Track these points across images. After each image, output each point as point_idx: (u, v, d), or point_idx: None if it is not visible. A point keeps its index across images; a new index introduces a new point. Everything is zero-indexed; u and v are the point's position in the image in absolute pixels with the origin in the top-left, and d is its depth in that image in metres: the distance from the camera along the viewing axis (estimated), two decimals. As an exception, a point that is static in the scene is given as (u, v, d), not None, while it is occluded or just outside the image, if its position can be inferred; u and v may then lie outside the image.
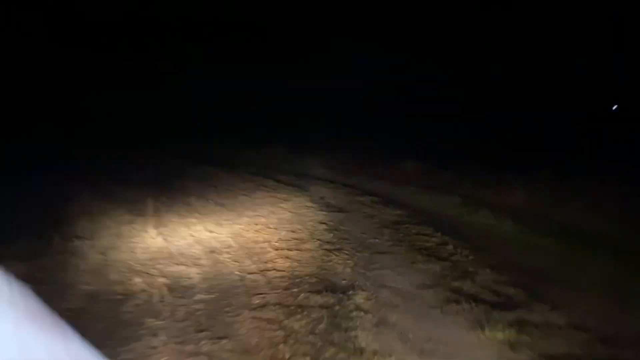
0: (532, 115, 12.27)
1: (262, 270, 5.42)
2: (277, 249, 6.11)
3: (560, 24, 13.04)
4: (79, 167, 11.46)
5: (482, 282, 4.98)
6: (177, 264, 5.73)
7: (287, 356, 3.69)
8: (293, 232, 6.87)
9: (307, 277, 5.17)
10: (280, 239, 6.56)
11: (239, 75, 17.74)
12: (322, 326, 4.13)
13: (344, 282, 5.03)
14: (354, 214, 7.92)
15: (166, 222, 7.56)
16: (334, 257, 5.78)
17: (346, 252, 5.95)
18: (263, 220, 7.58)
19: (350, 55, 15.77)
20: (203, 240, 6.65)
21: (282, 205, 8.50)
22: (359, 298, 4.62)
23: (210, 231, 7.05)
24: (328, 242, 6.34)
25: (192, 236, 6.83)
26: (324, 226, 7.11)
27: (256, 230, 7.00)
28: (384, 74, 15.39)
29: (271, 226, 7.21)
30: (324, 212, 7.94)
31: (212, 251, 6.19)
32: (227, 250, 6.20)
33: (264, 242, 6.47)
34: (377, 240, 6.41)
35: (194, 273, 5.47)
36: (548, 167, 9.05)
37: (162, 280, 5.27)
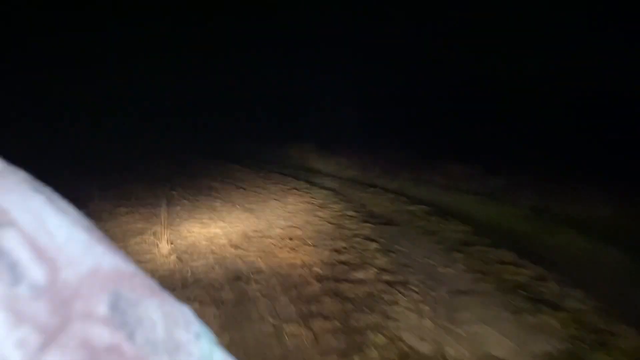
0: (591, 111, 10.22)
1: (304, 317, 3.58)
2: (320, 280, 4.27)
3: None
4: (91, 163, 9.78)
5: (635, 352, 3.08)
6: (190, 300, 3.93)
7: None
8: (337, 252, 5.03)
9: (370, 334, 3.32)
10: (322, 262, 4.72)
11: (263, 69, 15.92)
12: None
13: (427, 346, 3.16)
14: (407, 228, 6.04)
15: (184, 232, 5.78)
16: (400, 297, 3.91)
17: (415, 288, 4.08)
18: (299, 233, 5.76)
19: (382, 47, 13.87)
20: (227, 260, 4.85)
21: (319, 213, 6.67)
22: (461, 383, 2.76)
23: (236, 247, 5.25)
24: (386, 271, 4.48)
25: (214, 254, 5.03)
26: (375, 245, 5.25)
27: (292, 248, 5.17)
28: (417, 67, 13.44)
29: (309, 242, 5.38)
30: (370, 225, 6.09)
31: (238, 278, 4.39)
32: (257, 277, 4.38)
33: (302, 266, 4.64)
34: (450, 269, 4.52)
35: (210, 316, 3.66)
36: (633, 175, 7.06)
37: (166, 328, 3.47)
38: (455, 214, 6.73)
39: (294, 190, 8.19)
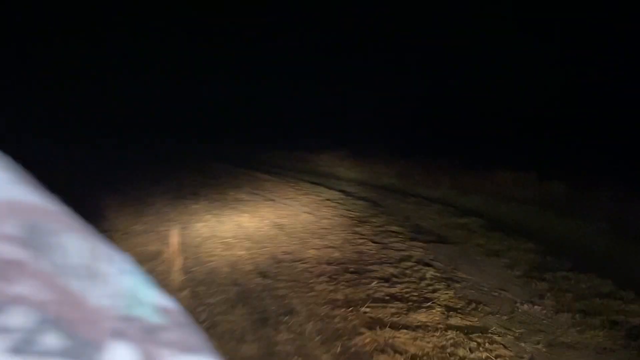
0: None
1: (355, 390, 2.44)
2: (371, 326, 3.11)
3: None
4: (110, 175, 8.84)
5: None
6: None
7: None
8: (387, 282, 3.87)
9: None
10: (370, 298, 3.57)
11: (288, 76, 14.90)
12: None
13: None
14: (465, 247, 4.84)
15: (204, 256, 4.72)
16: (483, 354, 2.72)
17: (499, 339, 2.88)
18: (337, 255, 4.63)
19: (418, 51, 12.65)
20: (252, 295, 3.75)
21: (358, 229, 5.53)
22: None
23: (264, 275, 4.15)
24: (454, 310, 3.29)
25: (237, 285, 3.94)
26: (432, 272, 4.07)
27: (330, 277, 4.03)
28: (450, 69, 12.18)
29: (351, 268, 4.24)
30: (420, 243, 4.91)
31: (264, 321, 3.27)
32: (289, 320, 3.26)
33: (346, 304, 3.49)
34: (537, 307, 3.31)
35: (227, 385, 2.56)
36: None
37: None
38: (515, 227, 5.50)
39: (328, 201, 7.07)
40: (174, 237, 5.29)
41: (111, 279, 0.25)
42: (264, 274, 4.16)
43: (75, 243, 0.25)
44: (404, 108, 12.03)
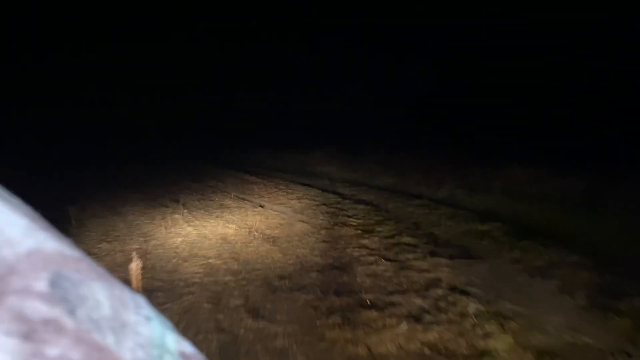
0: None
1: None
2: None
3: None
4: (81, 183, 7.58)
5: None
6: None
7: None
8: (418, 322, 2.78)
9: None
10: (404, 350, 2.48)
11: (275, 67, 13.75)
12: None
13: None
14: (499, 263, 3.77)
15: (180, 285, 3.58)
16: None
17: None
18: (345, 280, 3.53)
19: (415, 42, 11.61)
20: (240, 347, 2.64)
21: (364, 242, 4.43)
22: None
23: (256, 314, 3.03)
24: (527, 373, 2.23)
25: (220, 332, 2.82)
26: (472, 304, 2.98)
27: (343, 316, 2.93)
28: (450, 63, 11.17)
29: (367, 300, 3.14)
30: (443, 260, 3.84)
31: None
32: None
33: (370, 361, 2.40)
34: (641, 365, 2.27)
35: None
36: None
37: None
38: (547, 233, 4.46)
39: (324, 206, 5.96)
40: (144, 259, 4.12)
41: (139, 328, 0.24)
42: (256, 312, 3.04)
43: (101, 292, 0.24)
44: (394, 102, 10.97)
